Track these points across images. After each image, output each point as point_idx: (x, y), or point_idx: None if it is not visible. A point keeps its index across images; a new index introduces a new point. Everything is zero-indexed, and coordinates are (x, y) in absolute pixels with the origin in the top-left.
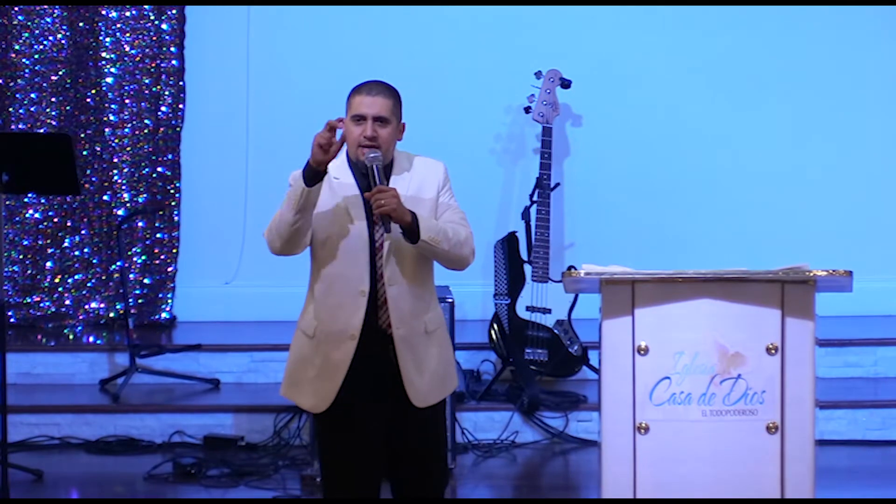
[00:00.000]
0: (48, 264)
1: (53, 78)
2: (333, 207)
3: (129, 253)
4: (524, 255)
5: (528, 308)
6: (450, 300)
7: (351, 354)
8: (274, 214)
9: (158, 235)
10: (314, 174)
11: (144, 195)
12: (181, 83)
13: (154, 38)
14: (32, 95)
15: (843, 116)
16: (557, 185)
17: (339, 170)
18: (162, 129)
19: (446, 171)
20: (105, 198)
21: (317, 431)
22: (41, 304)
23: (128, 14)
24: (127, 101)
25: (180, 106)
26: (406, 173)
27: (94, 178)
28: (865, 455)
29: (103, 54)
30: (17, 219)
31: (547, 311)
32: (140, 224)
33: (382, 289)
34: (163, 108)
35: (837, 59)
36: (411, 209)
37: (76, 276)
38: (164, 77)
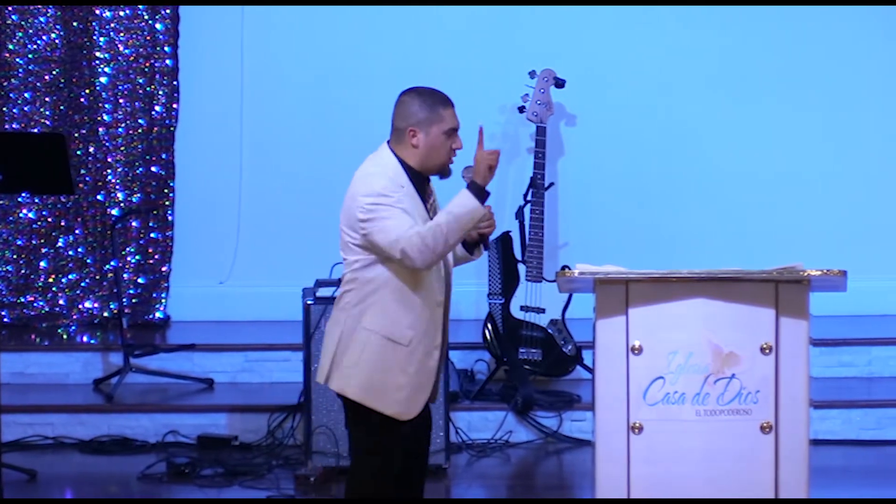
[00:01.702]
0: (42, 264)
1: (47, 77)
2: (414, 215)
3: (123, 252)
4: (518, 255)
5: (522, 308)
6: None
7: (438, 362)
8: (414, 236)
9: (152, 235)
10: (484, 195)
11: (138, 195)
12: (175, 83)
13: (148, 38)
14: (26, 95)
15: (838, 116)
16: (552, 184)
17: (402, 178)
18: (156, 128)
19: None
20: (99, 197)
21: (386, 434)
22: (35, 304)
23: (122, 14)
24: (121, 100)
25: (174, 105)
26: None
27: (88, 178)
28: (860, 455)
29: (97, 54)
30: (11, 218)
31: (541, 310)
32: (134, 224)
33: (448, 298)
34: (157, 108)
35: (832, 59)
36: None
37: (70, 276)
38: (158, 77)
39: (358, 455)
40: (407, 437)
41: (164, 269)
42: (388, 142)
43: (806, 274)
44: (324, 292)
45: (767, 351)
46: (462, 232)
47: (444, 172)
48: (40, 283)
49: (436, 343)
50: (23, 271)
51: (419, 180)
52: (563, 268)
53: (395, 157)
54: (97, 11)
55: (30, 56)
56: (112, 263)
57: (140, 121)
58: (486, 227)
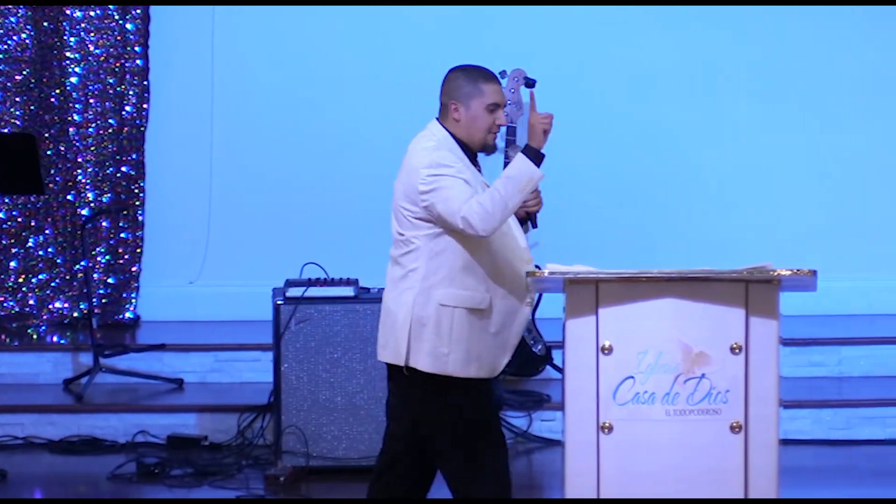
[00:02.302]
0: (12, 264)
1: (17, 77)
2: (475, 185)
3: (94, 253)
4: None
5: None
6: None
7: (524, 323)
8: (475, 204)
9: (122, 235)
10: (540, 158)
11: (108, 195)
12: (145, 83)
13: (118, 38)
14: None
15: (810, 117)
16: None
17: (456, 150)
18: (126, 128)
19: None
20: (69, 197)
21: (484, 397)
22: (5, 304)
23: (92, 14)
24: (91, 100)
25: (144, 106)
26: None
27: (58, 178)
28: (829, 455)
29: (68, 54)
30: None
31: None
32: (104, 224)
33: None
34: (127, 108)
35: (804, 58)
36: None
37: (40, 276)
38: (128, 77)
39: (458, 434)
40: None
41: (134, 269)
42: (437, 118)
43: (776, 274)
44: (294, 292)
45: (737, 351)
46: (521, 195)
47: (487, 148)
48: (10, 284)
49: (527, 300)
50: None
51: (469, 154)
52: (534, 267)
53: (445, 131)
54: (68, 11)
55: (0, 56)
56: (82, 263)
57: (110, 121)
58: (534, 206)
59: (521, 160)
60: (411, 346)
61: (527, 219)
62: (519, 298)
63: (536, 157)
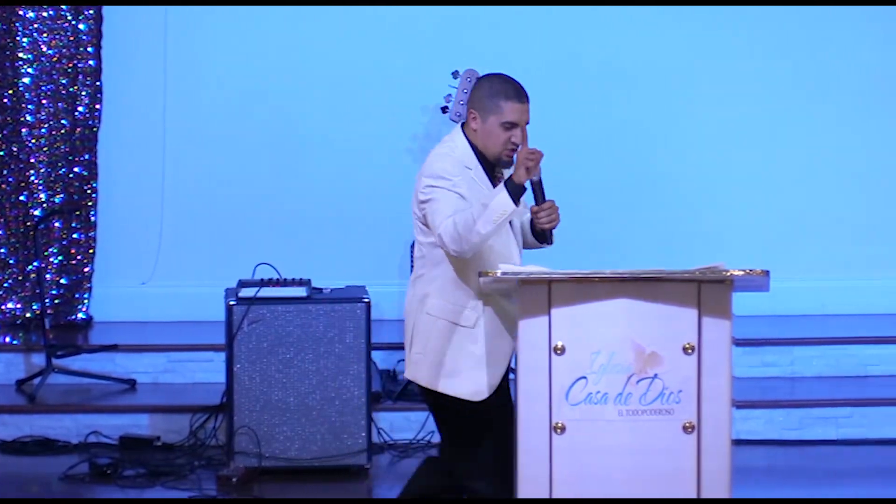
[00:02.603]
0: None
1: None
2: (472, 201)
3: (46, 253)
4: None
5: None
6: (366, 300)
7: (513, 343)
8: (449, 223)
9: (75, 236)
10: (520, 192)
11: (61, 195)
12: (98, 83)
13: (71, 39)
14: None
15: (765, 117)
16: None
17: (470, 160)
18: (79, 129)
19: None
20: (21, 198)
21: (470, 417)
22: None
23: (45, 14)
24: (44, 101)
25: (97, 106)
26: None
27: (10, 179)
28: (782, 455)
29: (20, 54)
30: None
31: None
32: (57, 224)
33: None
34: (80, 109)
35: (757, 58)
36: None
37: None
38: (81, 77)
39: (444, 444)
40: (491, 420)
41: (86, 269)
42: (462, 123)
43: (728, 274)
44: (246, 292)
45: (690, 351)
46: (493, 226)
47: (502, 163)
48: None
49: (514, 320)
50: None
51: (488, 163)
52: None
53: (465, 139)
54: (20, 12)
55: None
56: (34, 264)
57: (63, 121)
58: (546, 223)
59: (499, 192)
60: (407, 353)
61: (543, 235)
62: (504, 323)
63: (514, 189)
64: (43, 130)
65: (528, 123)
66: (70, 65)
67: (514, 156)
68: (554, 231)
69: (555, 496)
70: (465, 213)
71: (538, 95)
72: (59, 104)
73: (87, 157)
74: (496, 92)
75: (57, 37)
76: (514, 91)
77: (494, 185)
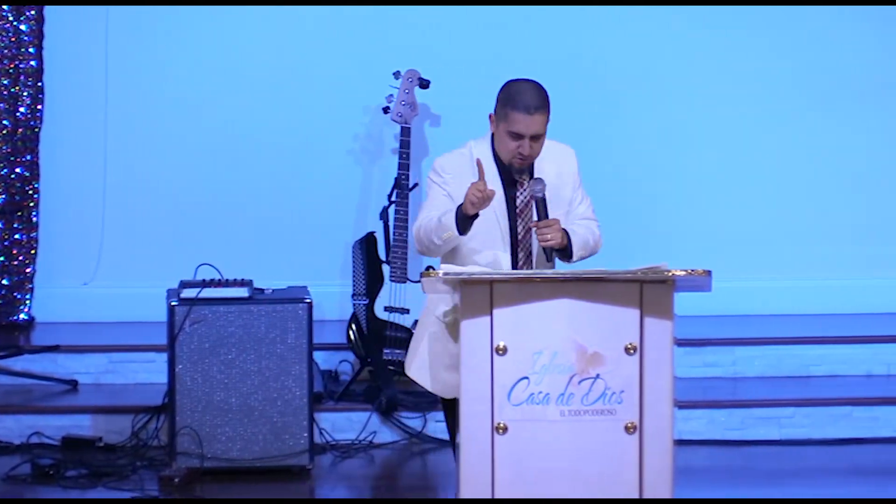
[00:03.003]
0: None
1: None
2: (458, 201)
3: None
4: (382, 256)
5: (386, 308)
6: (308, 301)
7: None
8: (418, 223)
9: (16, 237)
10: (467, 222)
11: (3, 196)
12: (40, 84)
13: (13, 39)
14: None
15: (718, 116)
16: (416, 185)
17: (483, 158)
18: (20, 129)
19: (576, 158)
20: None
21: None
22: None
23: None
24: None
25: (39, 107)
26: (546, 163)
27: None
28: (724, 455)
29: None
30: None
31: (405, 311)
32: None
33: None
34: (21, 109)
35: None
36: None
37: None
38: (22, 78)
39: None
40: None
41: (28, 270)
42: None
43: (670, 274)
44: (188, 293)
45: (632, 351)
46: (440, 241)
47: (512, 170)
48: None
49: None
50: None
51: (503, 166)
52: (428, 268)
53: (489, 137)
54: None
55: None
56: None
57: (4, 122)
58: (547, 241)
59: (451, 216)
60: None
61: (545, 251)
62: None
63: (462, 218)
64: None
65: (540, 135)
66: (11, 65)
67: (520, 164)
68: (571, 248)
69: (497, 496)
70: (434, 220)
71: (476, 95)
72: (1, 105)
73: (28, 157)
74: (507, 99)
75: None
76: (522, 102)
77: (514, 187)
